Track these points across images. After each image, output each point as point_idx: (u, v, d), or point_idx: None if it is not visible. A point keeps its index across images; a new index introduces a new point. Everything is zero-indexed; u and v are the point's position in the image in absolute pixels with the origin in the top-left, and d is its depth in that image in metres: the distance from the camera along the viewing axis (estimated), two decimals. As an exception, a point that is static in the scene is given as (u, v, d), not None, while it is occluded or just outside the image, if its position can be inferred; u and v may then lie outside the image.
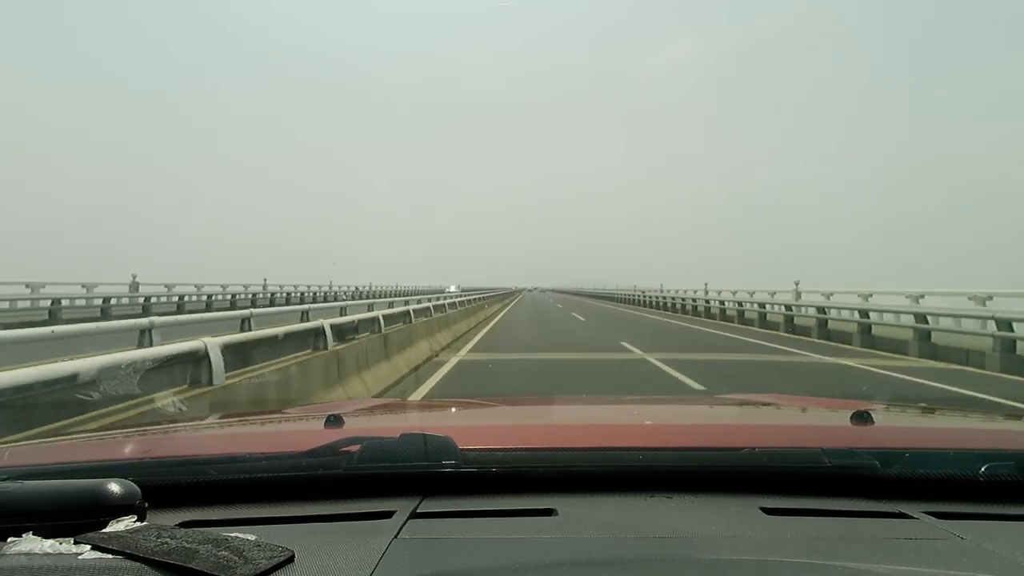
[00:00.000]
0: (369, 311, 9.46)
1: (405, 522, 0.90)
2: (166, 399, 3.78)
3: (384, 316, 8.82)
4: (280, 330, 6.00)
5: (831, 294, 16.70)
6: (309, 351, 6.28)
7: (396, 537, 0.84)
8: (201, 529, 0.79)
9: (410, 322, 10.54)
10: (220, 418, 2.11)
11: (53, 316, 17.05)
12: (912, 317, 12.63)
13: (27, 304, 17.84)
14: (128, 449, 1.37)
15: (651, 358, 10.64)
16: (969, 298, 12.26)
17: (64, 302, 18.62)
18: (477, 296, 27.15)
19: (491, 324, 20.49)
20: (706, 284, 27.03)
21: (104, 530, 0.75)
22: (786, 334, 16.90)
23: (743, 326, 20.11)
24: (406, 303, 12.69)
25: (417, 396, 7.51)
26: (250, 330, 6.73)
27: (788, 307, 18.12)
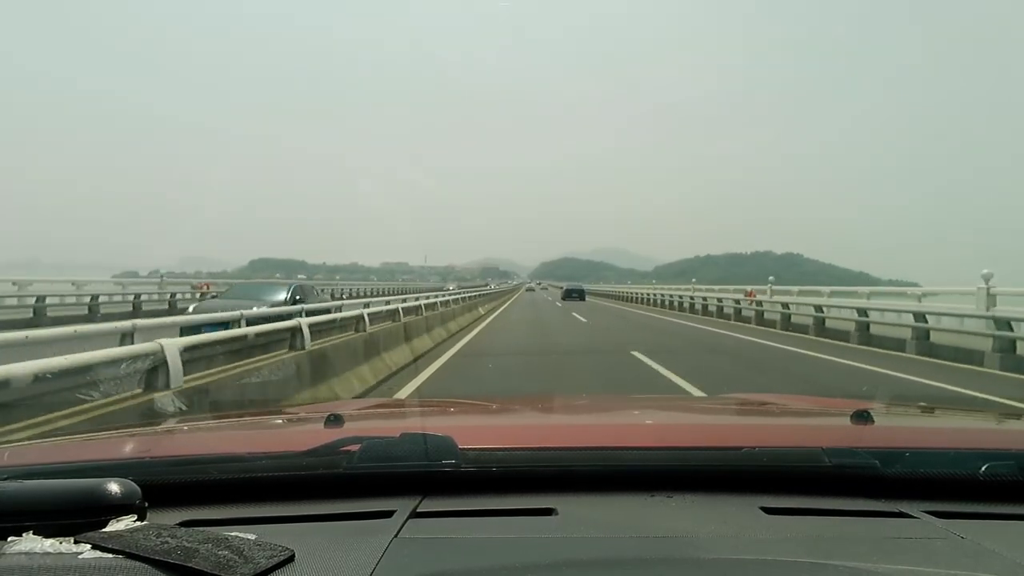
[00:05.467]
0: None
1: (405, 521, 0.90)
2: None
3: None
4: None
5: None
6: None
7: (396, 536, 0.84)
8: (201, 528, 0.79)
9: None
10: (220, 417, 2.11)
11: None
12: None
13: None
14: (128, 448, 1.36)
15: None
16: None
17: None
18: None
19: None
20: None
21: (104, 529, 0.75)
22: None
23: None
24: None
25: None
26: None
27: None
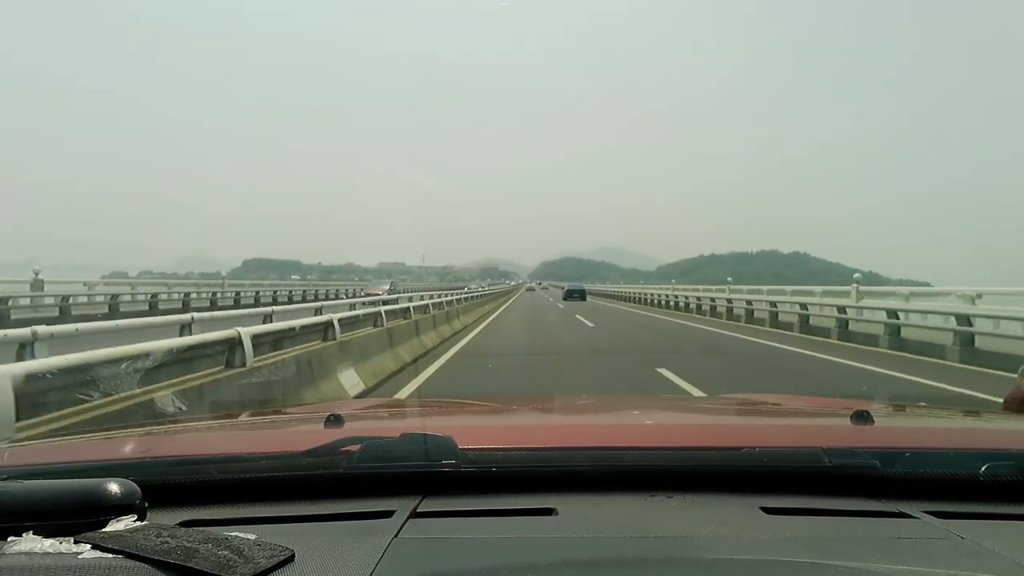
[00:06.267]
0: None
1: (405, 522, 0.90)
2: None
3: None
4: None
5: None
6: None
7: (396, 537, 0.84)
8: (201, 528, 0.79)
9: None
10: (220, 417, 2.11)
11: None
12: None
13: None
14: (128, 448, 1.36)
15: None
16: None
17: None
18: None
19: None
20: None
21: (104, 529, 0.75)
22: None
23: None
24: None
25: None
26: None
27: None
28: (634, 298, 41.10)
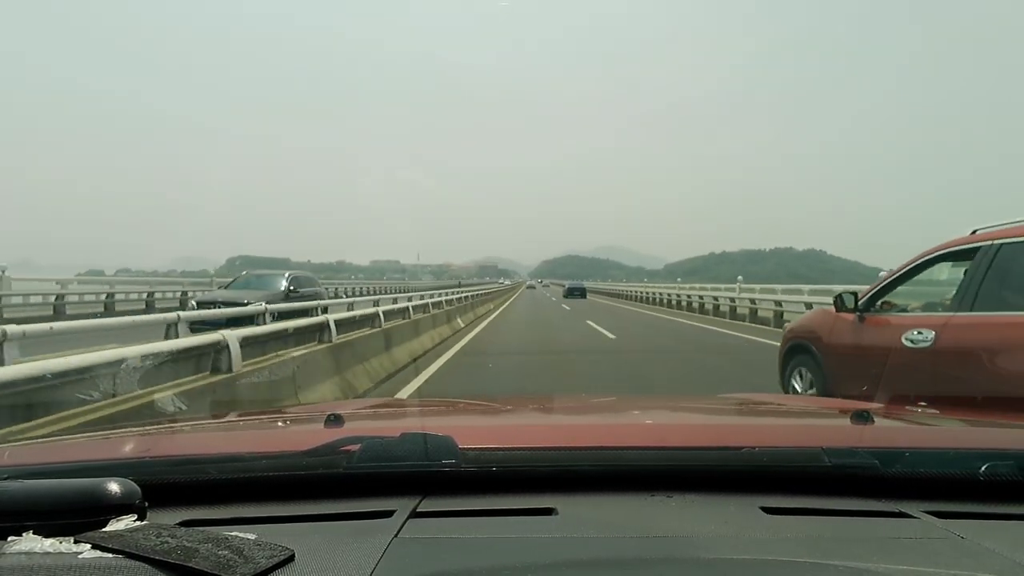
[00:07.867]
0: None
1: (405, 521, 0.90)
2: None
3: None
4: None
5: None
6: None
7: (396, 536, 0.84)
8: (201, 528, 0.79)
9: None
10: (220, 417, 2.11)
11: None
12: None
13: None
14: (128, 448, 1.36)
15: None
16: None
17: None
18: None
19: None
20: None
21: (104, 529, 0.75)
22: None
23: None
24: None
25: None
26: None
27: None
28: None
